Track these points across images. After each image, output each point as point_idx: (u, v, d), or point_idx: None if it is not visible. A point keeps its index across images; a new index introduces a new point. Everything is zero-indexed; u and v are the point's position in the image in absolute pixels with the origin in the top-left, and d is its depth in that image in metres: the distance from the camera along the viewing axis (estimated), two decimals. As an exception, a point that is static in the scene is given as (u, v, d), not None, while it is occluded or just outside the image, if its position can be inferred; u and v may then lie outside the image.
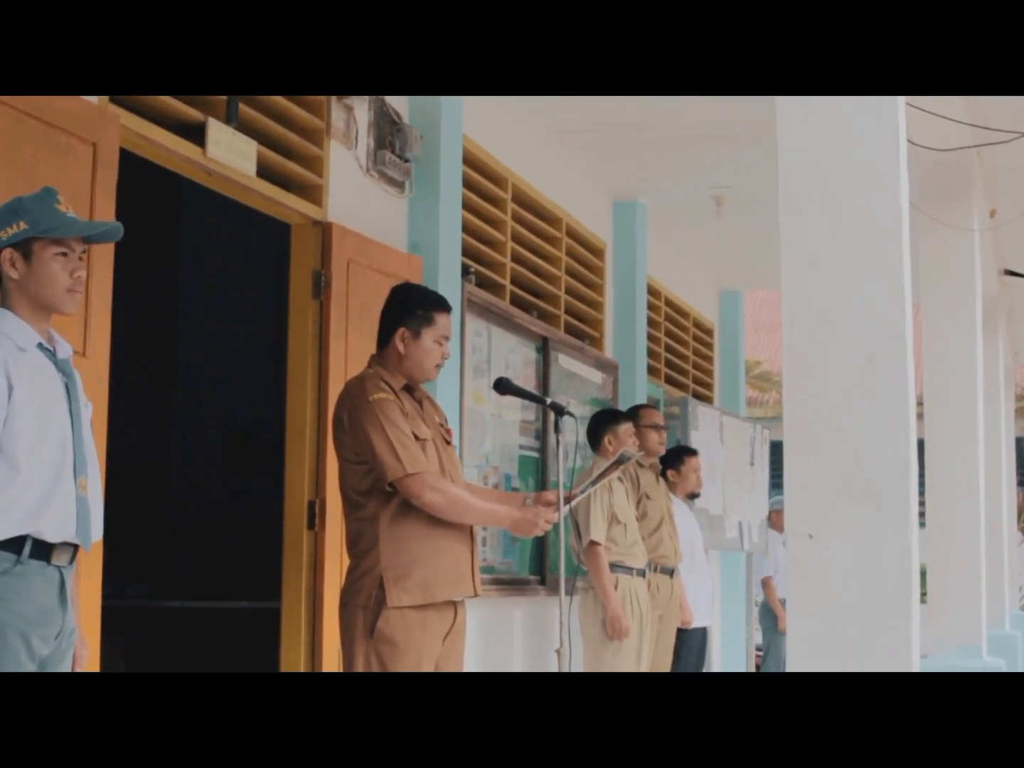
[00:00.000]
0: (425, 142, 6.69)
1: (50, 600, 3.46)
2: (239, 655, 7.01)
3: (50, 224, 3.49)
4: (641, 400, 9.17)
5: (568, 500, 4.68)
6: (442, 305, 4.70)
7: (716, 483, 10.34)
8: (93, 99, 4.69)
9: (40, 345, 3.51)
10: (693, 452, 8.54)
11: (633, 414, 7.80)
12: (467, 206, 7.24)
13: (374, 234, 6.36)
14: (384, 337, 4.67)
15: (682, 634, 7.87)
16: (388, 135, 6.53)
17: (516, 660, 7.66)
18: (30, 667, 3.38)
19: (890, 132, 3.51)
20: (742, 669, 11.78)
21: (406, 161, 6.62)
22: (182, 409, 9.75)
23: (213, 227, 9.27)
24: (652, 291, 10.42)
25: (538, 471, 8.14)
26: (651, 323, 10.36)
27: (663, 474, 8.16)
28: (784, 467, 3.49)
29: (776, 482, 11.25)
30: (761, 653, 12.15)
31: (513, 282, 8.01)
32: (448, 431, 4.77)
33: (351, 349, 5.96)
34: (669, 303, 11.20)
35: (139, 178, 5.21)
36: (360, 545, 4.50)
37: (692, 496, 8.45)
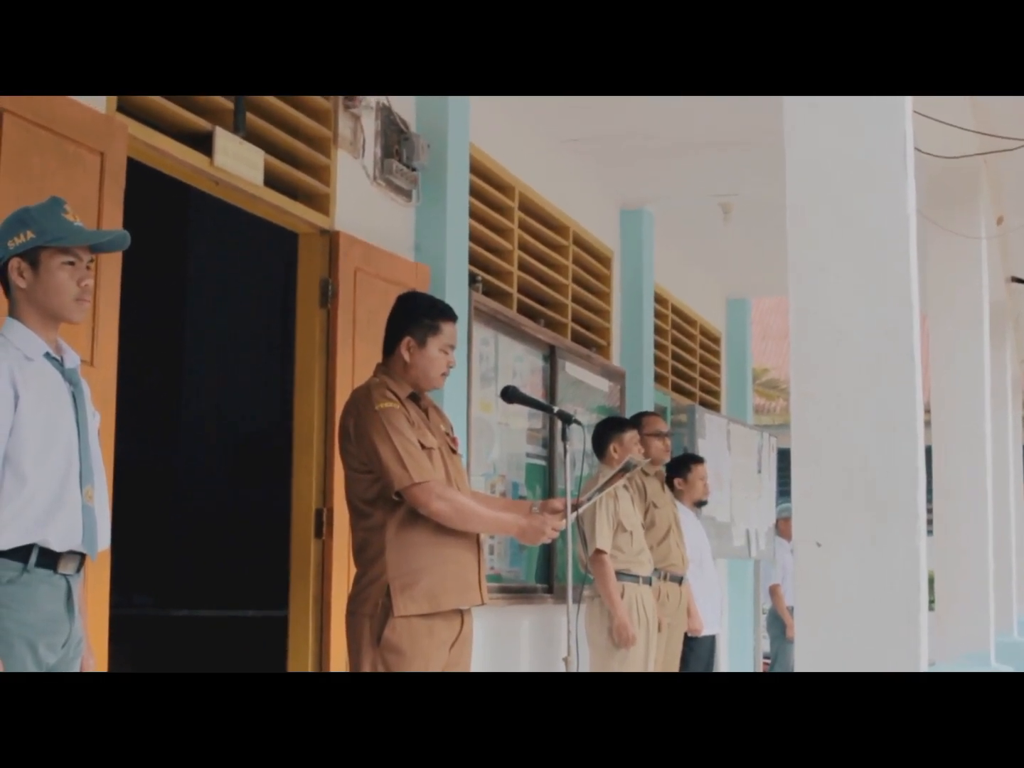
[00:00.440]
0: (432, 151, 6.70)
1: (57, 609, 3.46)
2: (246, 663, 7.01)
3: (57, 233, 3.49)
4: (648, 408, 9.17)
5: (575, 508, 4.68)
6: (448, 314, 4.70)
7: (723, 491, 10.34)
8: (101, 109, 4.70)
9: (47, 355, 3.51)
10: (700, 460, 8.53)
11: (637, 422, 7.80)
12: (474, 215, 7.25)
13: (381, 243, 6.36)
14: (390, 346, 4.67)
15: (690, 642, 7.86)
16: (395, 144, 6.54)
17: (523, 668, 7.65)
18: (38, 676, 3.38)
19: (897, 139, 3.51)
20: (750, 677, 11.76)
21: (413, 170, 6.63)
22: (189, 417, 9.77)
23: (220, 236, 9.29)
24: (659, 299, 10.42)
25: (545, 479, 8.14)
26: (658, 331, 10.37)
27: (670, 482, 8.17)
28: (792, 475, 3.48)
29: (783, 490, 11.24)
30: (769, 661, 12.13)
31: (520, 290, 8.02)
32: (454, 440, 4.77)
33: (358, 357, 5.97)
34: (676, 311, 11.20)
35: (147, 187, 5.22)
36: (367, 554, 4.50)
37: (699, 504, 8.45)
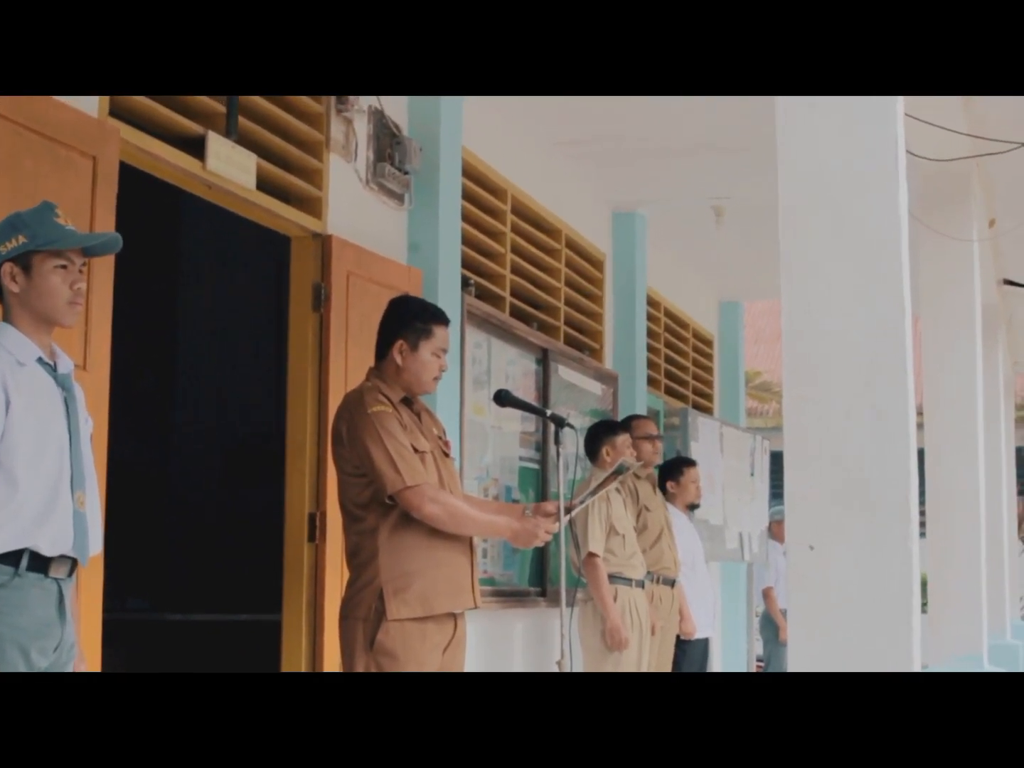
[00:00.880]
0: (424, 154, 6.70)
1: (48, 613, 3.46)
2: (240, 667, 7.00)
3: (49, 237, 3.49)
4: (641, 411, 9.17)
5: (567, 511, 4.68)
6: (440, 317, 4.70)
7: (716, 494, 10.35)
8: (93, 113, 4.69)
9: (40, 360, 3.51)
10: (692, 463, 8.54)
11: (627, 425, 7.80)
12: (466, 218, 7.25)
13: (374, 246, 6.36)
14: (382, 350, 4.67)
15: (684, 645, 7.86)
16: (387, 147, 6.54)
17: (516, 671, 7.64)
18: (29, 680, 3.38)
19: (889, 142, 3.52)
20: (743, 680, 11.75)
21: (405, 173, 6.63)
22: (182, 421, 9.76)
23: (213, 240, 9.28)
24: (652, 302, 10.43)
25: (538, 483, 8.14)
26: (651, 334, 10.37)
27: (662, 485, 8.17)
28: (784, 478, 3.49)
29: (776, 492, 11.24)
30: (762, 664, 12.13)
31: (513, 294, 8.02)
32: (447, 443, 4.77)
33: (351, 361, 5.97)
34: (669, 314, 11.20)
35: (139, 191, 5.21)
36: (359, 557, 4.50)
37: (692, 507, 8.45)
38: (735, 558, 11.04)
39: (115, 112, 4.87)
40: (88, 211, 4.59)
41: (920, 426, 5.13)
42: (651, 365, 10.31)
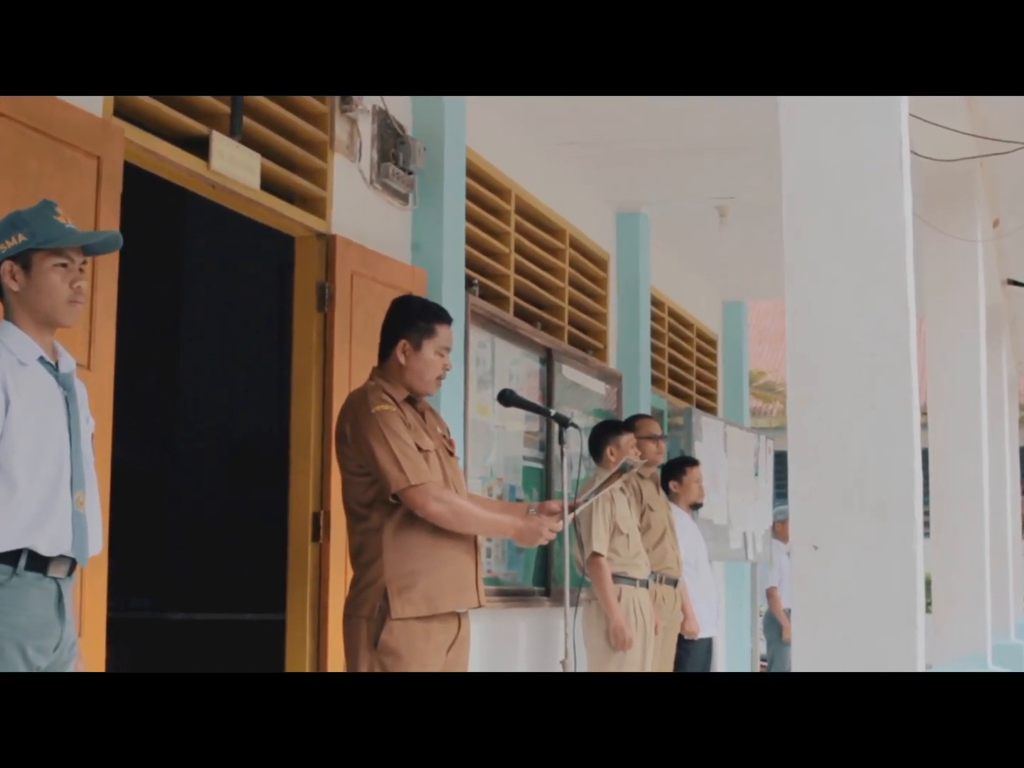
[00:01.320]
0: (429, 154, 6.70)
1: (47, 612, 3.45)
2: (244, 667, 7.00)
3: (49, 235, 3.49)
4: (645, 411, 9.17)
5: (571, 509, 4.68)
6: (443, 316, 4.70)
7: (720, 493, 10.34)
8: (97, 112, 4.70)
9: (42, 359, 3.50)
10: (695, 462, 8.54)
11: (631, 425, 7.80)
12: (470, 218, 7.25)
13: (378, 246, 6.36)
14: (386, 349, 4.67)
15: (687, 644, 7.86)
16: (392, 147, 6.54)
17: (520, 671, 7.64)
18: (28, 679, 3.37)
19: (893, 142, 3.52)
20: (747, 680, 11.74)
21: (410, 173, 6.63)
22: (186, 421, 9.76)
23: (217, 240, 9.28)
24: (656, 302, 10.43)
25: (542, 482, 8.14)
26: (655, 334, 10.37)
27: (665, 485, 8.17)
28: (789, 478, 3.49)
29: (780, 492, 11.23)
30: (766, 663, 12.13)
31: (517, 293, 8.02)
32: (451, 442, 4.77)
33: (355, 361, 5.97)
34: (673, 314, 11.20)
35: (143, 191, 5.22)
36: (363, 557, 4.50)
37: (695, 506, 8.44)
38: (739, 558, 11.04)
39: (119, 112, 4.87)
40: (92, 211, 4.59)
41: (924, 426, 5.13)
42: (655, 365, 10.31)
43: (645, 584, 7.20)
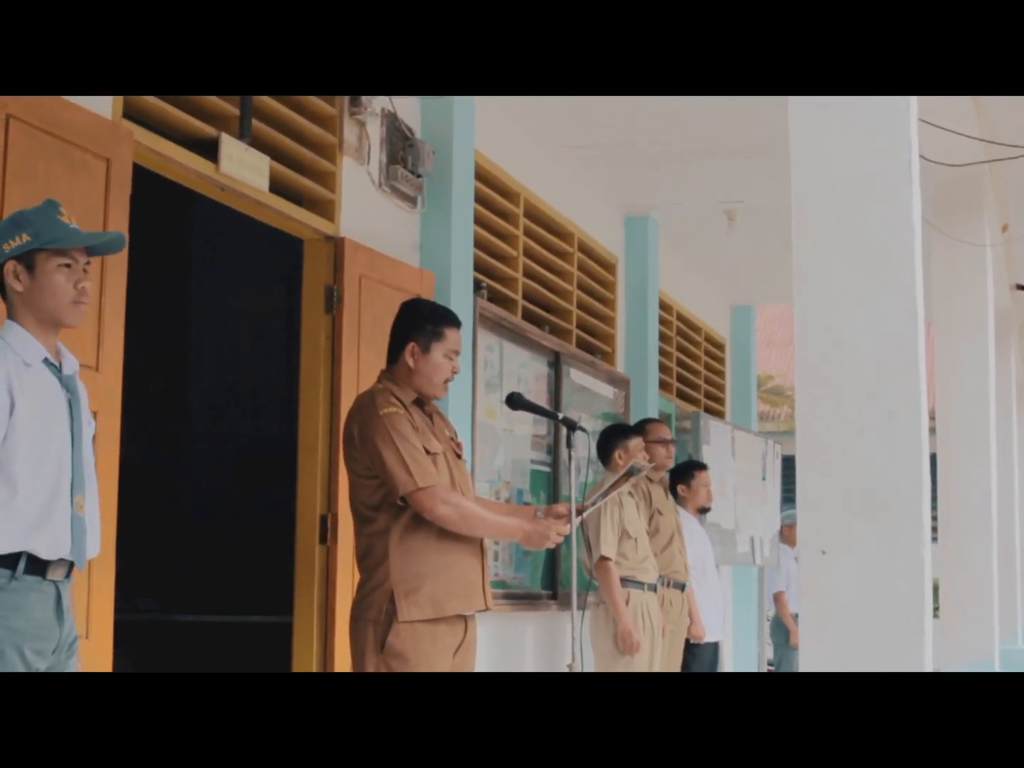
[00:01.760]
0: (437, 157, 6.70)
1: (46, 615, 3.44)
2: (251, 669, 7.00)
3: (53, 235, 3.47)
4: (653, 415, 9.17)
5: (579, 512, 4.68)
6: (451, 319, 4.70)
7: (728, 498, 10.34)
8: (107, 114, 4.70)
9: (46, 360, 3.49)
10: (703, 467, 8.53)
11: (640, 429, 7.80)
12: (479, 221, 7.25)
13: (386, 249, 6.37)
14: (394, 352, 4.68)
15: (693, 648, 7.86)
16: (400, 150, 6.54)
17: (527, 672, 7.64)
18: (27, 683, 3.37)
19: (903, 146, 3.51)
20: (754, 684, 11.73)
21: (418, 176, 6.63)
22: (194, 423, 9.78)
23: (226, 242, 9.30)
24: (664, 306, 10.42)
25: (550, 486, 8.14)
26: (663, 338, 10.36)
27: (673, 489, 8.16)
28: (797, 483, 3.49)
29: (788, 496, 11.23)
30: (773, 668, 12.12)
31: (525, 297, 8.02)
32: (459, 445, 4.77)
33: (363, 364, 5.97)
34: (681, 318, 11.20)
35: (152, 193, 5.22)
36: (370, 559, 4.50)
37: (703, 510, 8.44)
38: (746, 562, 11.03)
39: (128, 114, 4.88)
40: (101, 213, 4.60)
41: (932, 431, 5.13)
42: (663, 369, 10.31)
43: (653, 588, 7.20)
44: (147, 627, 8.20)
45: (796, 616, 10.97)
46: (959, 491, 7.55)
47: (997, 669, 7.49)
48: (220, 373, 9.67)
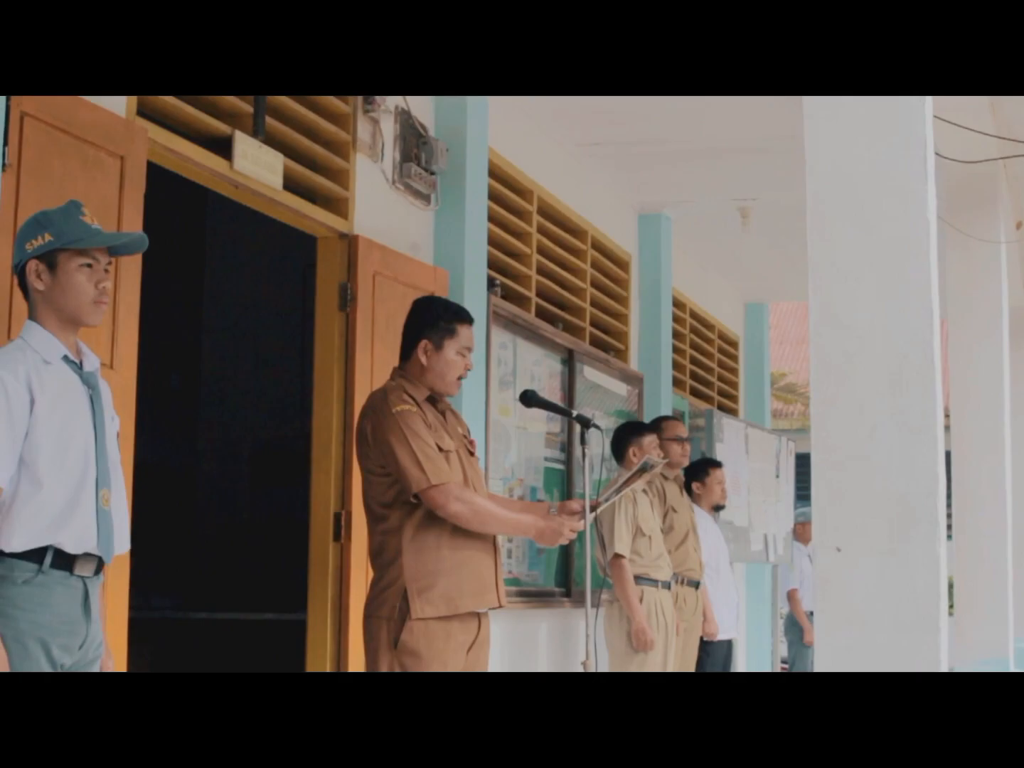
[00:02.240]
0: (451, 155, 6.70)
1: (73, 611, 3.47)
2: (265, 666, 7.02)
3: (75, 235, 3.51)
4: (666, 412, 9.16)
5: (592, 509, 4.68)
6: (464, 317, 4.70)
7: (741, 495, 10.33)
8: (121, 113, 4.71)
9: (66, 358, 3.52)
10: (718, 464, 8.52)
11: (656, 426, 7.80)
12: (493, 218, 7.25)
13: (400, 247, 6.37)
14: (407, 349, 4.68)
15: (706, 646, 7.86)
16: (414, 148, 6.55)
17: (541, 672, 7.65)
18: (53, 678, 3.38)
19: (918, 144, 3.51)
20: (768, 682, 11.72)
21: (432, 174, 6.64)
22: (208, 421, 9.78)
23: (240, 239, 9.30)
24: (677, 303, 10.42)
25: (563, 483, 8.14)
26: (676, 335, 10.36)
27: (687, 486, 8.16)
28: (812, 480, 3.48)
29: (801, 494, 11.22)
30: (787, 666, 12.11)
31: (538, 294, 8.02)
32: (471, 442, 4.77)
33: (377, 361, 5.97)
34: (694, 315, 11.19)
35: (166, 191, 5.23)
36: (383, 557, 4.50)
37: (717, 508, 8.44)
38: (760, 560, 11.02)
39: (143, 112, 4.88)
40: (116, 211, 4.61)
41: (947, 428, 5.12)
42: (676, 366, 10.30)
43: (667, 586, 7.20)
44: (162, 624, 8.21)
45: (810, 614, 10.97)
46: (974, 489, 7.54)
47: (1012, 667, 7.47)
48: (234, 371, 9.67)
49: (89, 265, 3.52)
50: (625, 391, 9.14)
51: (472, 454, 4.73)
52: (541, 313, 8.04)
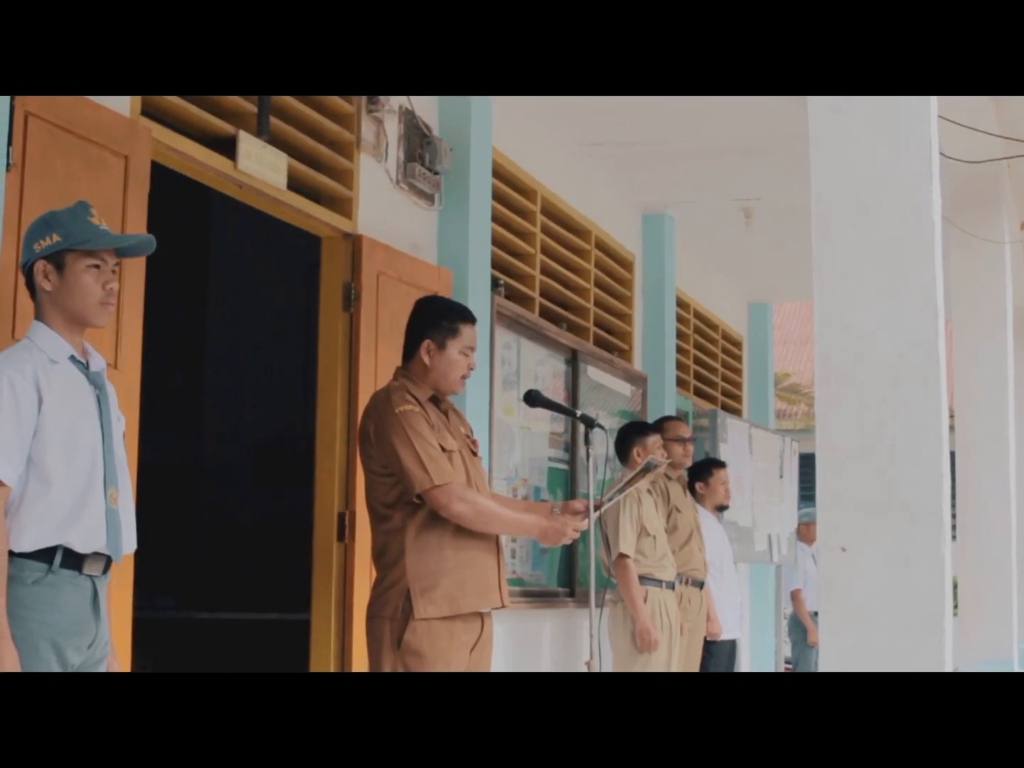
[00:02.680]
0: (455, 155, 6.70)
1: (82, 610, 3.48)
2: (268, 666, 7.02)
3: (83, 236, 3.52)
4: (670, 412, 9.16)
5: (596, 508, 4.67)
6: (467, 316, 4.70)
7: (745, 495, 10.32)
8: (125, 112, 4.71)
9: (72, 358, 3.54)
10: (721, 464, 8.52)
11: (659, 426, 7.79)
12: (496, 219, 7.25)
13: (404, 246, 6.37)
14: (410, 349, 4.68)
15: (710, 646, 7.85)
16: (418, 148, 6.55)
17: (545, 672, 7.64)
18: (63, 677, 3.39)
19: (922, 143, 3.51)
20: (771, 682, 11.71)
21: (436, 174, 6.64)
22: (212, 421, 9.79)
23: (243, 239, 9.31)
24: (681, 303, 10.41)
25: (567, 483, 8.13)
26: (680, 335, 10.36)
27: (691, 487, 8.16)
28: (816, 480, 3.48)
29: (805, 495, 11.21)
30: (790, 666, 12.10)
31: (542, 294, 8.02)
32: (474, 442, 4.77)
33: (381, 361, 5.97)
34: (698, 315, 11.19)
35: (170, 191, 5.23)
36: (386, 557, 4.50)
37: (720, 508, 8.44)
38: (764, 560, 11.02)
39: (147, 112, 4.88)
40: (120, 210, 4.61)
41: (951, 428, 5.12)
42: (680, 366, 10.30)
43: (671, 586, 7.19)
44: (165, 624, 8.21)
45: (814, 614, 10.96)
46: (978, 489, 7.54)
47: (1016, 667, 7.47)
48: (238, 371, 9.68)
49: (97, 266, 3.54)
50: (629, 391, 9.13)
51: (475, 454, 4.73)
52: (545, 313, 8.04)
